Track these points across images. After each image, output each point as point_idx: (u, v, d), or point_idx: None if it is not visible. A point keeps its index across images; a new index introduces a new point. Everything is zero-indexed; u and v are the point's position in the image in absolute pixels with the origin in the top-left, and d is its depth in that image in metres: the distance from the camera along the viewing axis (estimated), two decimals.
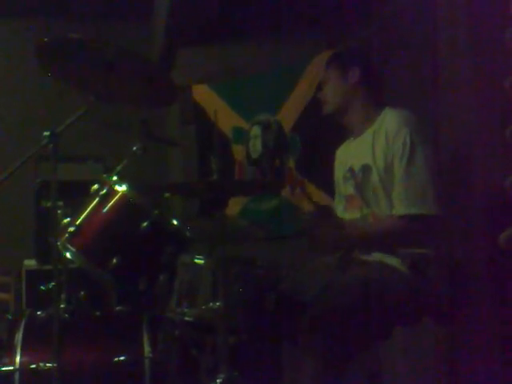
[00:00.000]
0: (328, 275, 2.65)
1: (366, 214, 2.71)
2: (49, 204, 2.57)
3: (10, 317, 2.80)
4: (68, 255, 2.58)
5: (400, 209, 2.57)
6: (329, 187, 3.12)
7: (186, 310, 2.42)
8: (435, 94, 3.17)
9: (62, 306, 2.76)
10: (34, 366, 2.57)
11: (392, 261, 2.59)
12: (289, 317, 2.42)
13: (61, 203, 2.71)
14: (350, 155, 2.85)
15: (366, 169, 2.69)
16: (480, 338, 2.79)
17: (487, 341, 2.74)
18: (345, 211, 2.84)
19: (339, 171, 2.92)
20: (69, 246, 2.57)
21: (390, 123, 2.66)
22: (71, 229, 2.60)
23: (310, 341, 2.40)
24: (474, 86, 2.82)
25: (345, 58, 2.87)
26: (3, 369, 2.57)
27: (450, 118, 3.03)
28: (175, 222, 2.64)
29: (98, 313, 2.87)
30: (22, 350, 2.61)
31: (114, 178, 2.66)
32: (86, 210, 2.64)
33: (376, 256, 2.64)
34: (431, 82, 3.21)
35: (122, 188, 2.62)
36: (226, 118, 4.65)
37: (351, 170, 2.78)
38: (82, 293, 2.84)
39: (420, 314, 2.62)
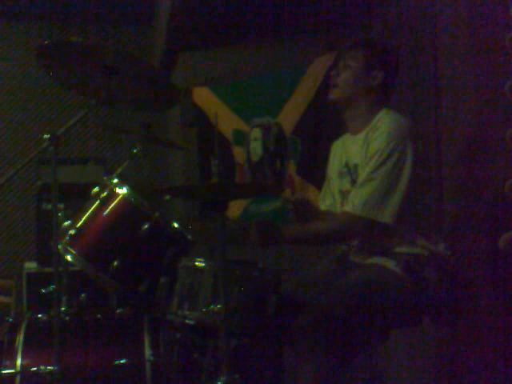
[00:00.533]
0: (326, 278, 2.66)
1: None
2: (50, 207, 2.57)
3: (10, 319, 2.80)
4: (69, 258, 2.57)
5: (354, 207, 2.55)
6: None
7: (186, 312, 2.42)
8: (436, 96, 3.17)
9: (62, 308, 2.76)
10: (34, 368, 2.57)
11: (387, 262, 2.59)
12: (289, 319, 2.42)
13: (61, 206, 2.71)
14: (345, 151, 2.82)
15: (356, 168, 2.69)
16: (481, 340, 2.79)
17: (488, 342, 2.74)
18: (341, 207, 2.82)
19: (334, 164, 2.89)
20: (69, 249, 2.57)
21: (381, 128, 2.63)
22: (72, 231, 2.60)
23: (310, 343, 2.40)
24: (474, 88, 2.82)
25: (376, 55, 2.72)
26: (4, 372, 2.57)
27: (451, 121, 3.03)
28: (176, 225, 2.64)
29: (98, 315, 2.87)
30: (22, 352, 2.61)
31: (115, 180, 2.66)
32: (86, 212, 2.64)
33: (372, 258, 2.65)
34: (432, 85, 3.21)
35: (122, 190, 2.62)
36: (227, 121, 4.65)
37: (347, 166, 2.77)
38: (83, 295, 2.84)
39: (418, 315, 2.62)
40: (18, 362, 2.59)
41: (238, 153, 4.73)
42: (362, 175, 2.59)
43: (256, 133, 4.67)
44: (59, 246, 2.56)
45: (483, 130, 2.77)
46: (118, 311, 2.90)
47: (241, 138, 4.71)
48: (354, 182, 2.71)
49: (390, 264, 2.57)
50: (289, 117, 4.55)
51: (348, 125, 2.81)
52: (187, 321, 2.42)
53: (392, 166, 2.53)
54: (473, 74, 2.82)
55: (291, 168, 4.52)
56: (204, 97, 4.86)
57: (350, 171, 2.73)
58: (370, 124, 2.68)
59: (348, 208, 2.60)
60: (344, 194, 2.78)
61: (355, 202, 2.56)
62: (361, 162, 2.65)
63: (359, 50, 2.74)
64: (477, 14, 2.79)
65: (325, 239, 2.71)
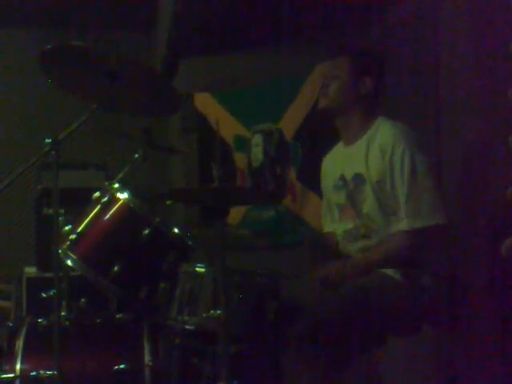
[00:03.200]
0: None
1: (359, 224, 2.69)
2: (50, 211, 2.57)
3: (10, 324, 2.80)
4: (69, 263, 2.58)
5: (411, 222, 2.53)
6: None
7: (186, 318, 2.42)
8: (437, 103, 3.17)
9: (62, 313, 2.75)
10: (34, 373, 2.57)
11: (386, 269, 2.59)
12: (288, 325, 2.42)
13: (62, 210, 2.71)
14: (340, 163, 2.82)
15: (358, 178, 2.67)
16: (480, 345, 2.79)
17: (487, 347, 2.74)
18: (339, 221, 2.81)
19: (328, 179, 2.88)
20: (70, 254, 2.57)
21: (383, 136, 2.63)
22: (72, 236, 2.60)
23: (308, 349, 2.40)
24: (476, 95, 2.82)
25: (361, 63, 2.73)
26: (3, 376, 2.57)
27: (451, 128, 3.04)
28: (176, 230, 2.64)
29: (98, 320, 2.87)
30: (22, 357, 2.61)
31: (116, 185, 2.66)
32: (87, 217, 2.64)
33: None
34: (433, 92, 3.21)
35: (123, 195, 2.62)
36: (228, 127, 4.65)
37: (343, 178, 2.76)
38: (83, 300, 2.83)
39: (416, 322, 2.62)
40: (18, 366, 2.58)
41: (239, 158, 4.73)
42: (401, 191, 2.56)
43: (257, 139, 4.67)
44: (60, 251, 2.56)
45: (485, 137, 2.78)
46: (118, 316, 2.89)
47: (242, 143, 4.71)
48: (349, 194, 2.70)
49: (388, 270, 2.57)
50: (290, 123, 4.55)
51: (341, 133, 2.80)
52: (187, 326, 2.43)
53: (420, 169, 2.54)
54: (474, 80, 2.82)
55: (292, 174, 4.52)
56: (205, 102, 4.87)
57: (346, 183, 2.72)
58: (367, 133, 2.68)
59: (403, 226, 2.56)
60: (340, 208, 2.78)
61: (408, 218, 2.54)
62: (366, 172, 2.64)
63: (344, 58, 2.73)
64: (478, 20, 2.79)
65: (393, 261, 2.60)
